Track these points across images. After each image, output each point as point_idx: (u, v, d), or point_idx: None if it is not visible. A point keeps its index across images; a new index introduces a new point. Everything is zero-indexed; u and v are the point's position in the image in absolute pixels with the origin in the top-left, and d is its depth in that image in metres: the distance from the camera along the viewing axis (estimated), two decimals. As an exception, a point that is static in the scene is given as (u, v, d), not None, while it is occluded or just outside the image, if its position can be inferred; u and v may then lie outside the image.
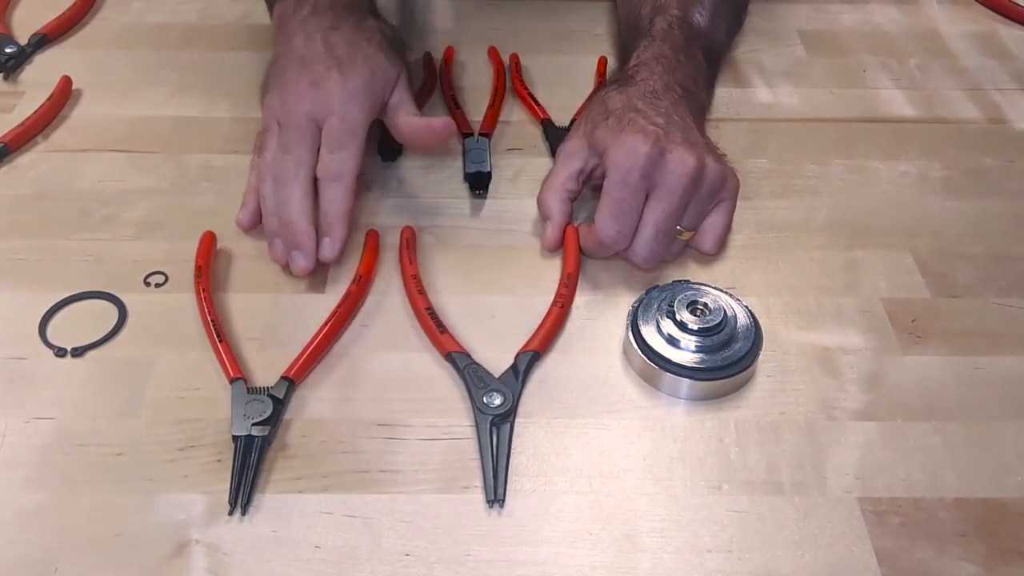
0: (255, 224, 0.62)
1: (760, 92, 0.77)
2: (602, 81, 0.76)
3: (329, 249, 0.59)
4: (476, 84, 0.77)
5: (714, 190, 0.60)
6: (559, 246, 0.61)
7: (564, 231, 0.61)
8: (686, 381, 0.52)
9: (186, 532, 0.46)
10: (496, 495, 0.48)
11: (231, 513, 0.47)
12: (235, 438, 0.49)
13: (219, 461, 0.49)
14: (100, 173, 0.68)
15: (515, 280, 0.60)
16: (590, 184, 0.62)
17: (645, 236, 0.58)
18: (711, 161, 0.59)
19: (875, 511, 0.48)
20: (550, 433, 0.51)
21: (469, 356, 0.54)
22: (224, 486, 0.48)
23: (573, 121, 0.69)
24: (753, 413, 0.53)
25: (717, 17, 0.72)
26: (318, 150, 0.60)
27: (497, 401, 0.51)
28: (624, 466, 0.50)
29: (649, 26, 0.68)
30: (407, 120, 0.63)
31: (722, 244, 0.61)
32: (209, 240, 0.60)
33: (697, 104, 0.66)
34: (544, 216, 0.62)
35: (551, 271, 0.60)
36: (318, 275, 0.60)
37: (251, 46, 0.81)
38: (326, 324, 0.55)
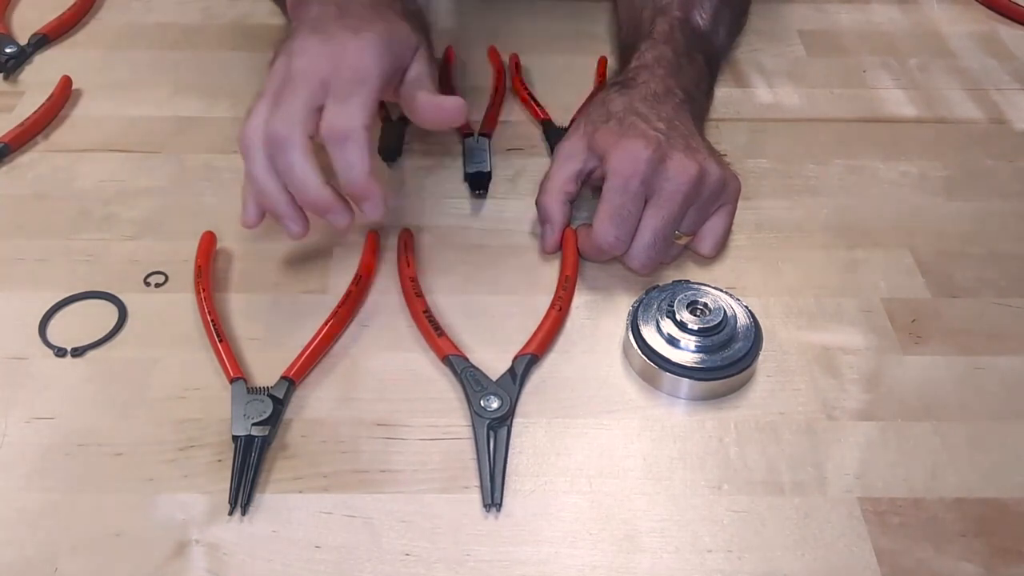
0: (261, 218, 0.55)
1: (760, 92, 0.77)
2: (602, 81, 0.76)
3: (373, 210, 0.52)
4: (476, 84, 0.77)
5: (715, 195, 0.59)
6: (558, 249, 0.61)
7: (563, 234, 0.61)
8: (686, 381, 0.52)
9: (186, 532, 0.46)
10: (493, 499, 0.48)
11: (231, 513, 0.47)
12: (235, 438, 0.49)
13: (219, 461, 0.49)
14: (100, 173, 0.68)
15: (515, 280, 0.60)
16: (589, 186, 0.62)
17: (643, 242, 0.57)
18: (712, 166, 0.59)
19: (875, 511, 0.48)
20: (550, 433, 0.51)
21: (466, 359, 0.54)
22: (224, 486, 0.48)
23: (573, 121, 0.69)
24: (753, 413, 0.52)
25: (718, 20, 0.71)
26: (319, 111, 0.52)
27: (494, 405, 0.51)
28: (624, 466, 0.50)
29: (650, 27, 0.68)
30: (422, 97, 0.56)
31: (721, 248, 0.61)
32: (209, 240, 0.60)
33: (697, 108, 0.66)
34: (543, 219, 0.62)
35: (550, 271, 0.60)
36: (318, 275, 0.60)
37: (251, 46, 0.81)
38: (326, 324, 0.55)
